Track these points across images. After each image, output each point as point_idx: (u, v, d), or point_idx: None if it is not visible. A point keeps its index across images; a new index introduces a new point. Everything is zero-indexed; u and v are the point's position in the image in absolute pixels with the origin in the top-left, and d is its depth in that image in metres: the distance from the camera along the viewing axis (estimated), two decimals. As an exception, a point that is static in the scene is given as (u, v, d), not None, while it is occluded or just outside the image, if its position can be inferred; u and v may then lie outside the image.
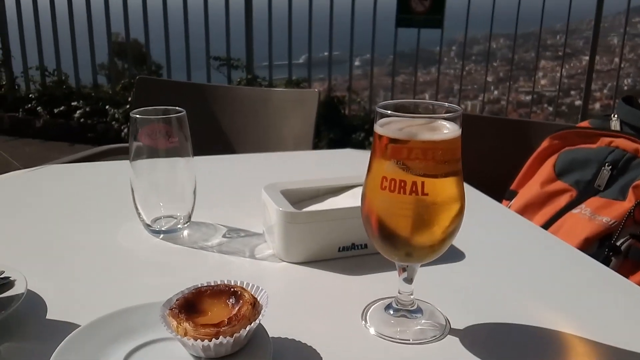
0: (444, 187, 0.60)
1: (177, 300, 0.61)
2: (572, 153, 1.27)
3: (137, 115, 0.84)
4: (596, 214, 1.13)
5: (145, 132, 0.85)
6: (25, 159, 4.32)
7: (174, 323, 0.58)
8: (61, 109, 5.03)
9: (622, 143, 1.20)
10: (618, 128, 1.26)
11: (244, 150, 1.78)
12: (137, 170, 0.87)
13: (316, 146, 1.71)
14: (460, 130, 0.60)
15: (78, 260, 0.83)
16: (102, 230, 0.92)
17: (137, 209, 0.89)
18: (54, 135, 4.98)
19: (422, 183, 0.59)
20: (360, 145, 4.47)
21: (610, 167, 1.18)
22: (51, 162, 1.31)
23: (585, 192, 1.20)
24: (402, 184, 0.59)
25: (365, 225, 0.65)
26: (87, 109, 4.96)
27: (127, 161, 0.88)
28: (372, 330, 0.67)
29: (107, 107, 4.94)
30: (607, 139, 1.23)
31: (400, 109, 0.63)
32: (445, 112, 0.62)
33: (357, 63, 7.07)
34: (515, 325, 0.69)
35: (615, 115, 1.28)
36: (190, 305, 0.60)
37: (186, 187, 0.90)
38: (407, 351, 0.64)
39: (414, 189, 0.59)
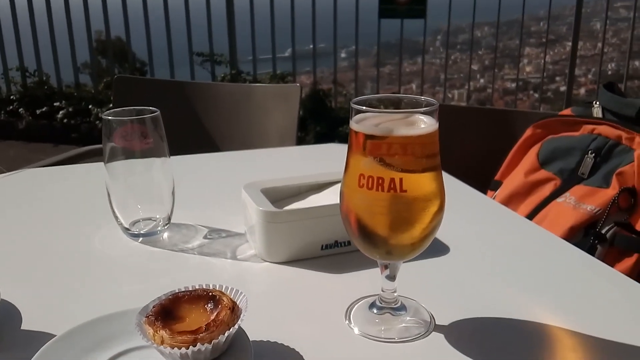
0: (423, 183, 0.59)
1: (153, 307, 0.60)
2: (556, 141, 1.26)
3: (110, 117, 0.82)
4: (581, 203, 1.12)
5: (119, 134, 0.83)
6: (9, 162, 4.26)
7: (150, 331, 0.57)
8: (44, 109, 4.97)
9: (605, 130, 1.19)
10: (600, 115, 1.25)
11: (228, 147, 1.76)
12: (112, 173, 0.85)
13: (303, 140, 1.70)
14: (438, 124, 0.59)
15: (54, 267, 0.81)
16: (80, 235, 0.90)
17: (114, 212, 0.87)
18: (37, 137, 4.91)
19: (400, 179, 0.57)
20: (347, 138, 4.45)
21: (593, 154, 1.17)
22: (29, 165, 1.29)
23: (569, 180, 1.19)
24: (380, 181, 0.58)
25: (345, 224, 0.64)
26: (70, 109, 4.90)
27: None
28: (356, 330, 0.66)
29: (90, 106, 4.88)
30: (590, 127, 1.22)
31: (376, 104, 0.61)
32: (422, 106, 0.61)
33: (343, 55, 7.04)
34: (500, 319, 0.68)
35: (597, 103, 1.28)
36: (167, 312, 0.59)
37: (164, 188, 0.88)
38: (392, 350, 0.63)
39: (392, 185, 0.57)
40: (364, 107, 0.59)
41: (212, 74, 4.95)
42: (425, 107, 0.60)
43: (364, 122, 0.59)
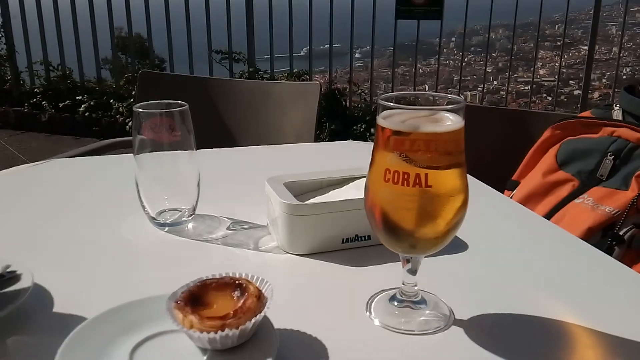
0: (448, 179, 0.60)
1: (182, 293, 0.61)
2: (574, 143, 1.26)
3: (140, 110, 0.85)
4: (599, 204, 1.13)
5: (148, 126, 0.85)
6: (32, 153, 4.36)
7: (180, 316, 0.58)
8: (66, 103, 5.06)
9: (625, 133, 1.19)
10: (620, 117, 1.26)
11: (246, 143, 1.78)
12: (141, 164, 0.87)
13: (317, 138, 1.71)
14: (464, 121, 0.60)
15: (84, 254, 0.83)
16: (108, 224, 0.93)
17: (141, 202, 0.90)
18: (59, 129, 5.01)
19: (426, 175, 0.58)
20: (361, 136, 4.47)
21: (612, 156, 1.17)
22: (56, 156, 1.32)
23: (587, 181, 1.20)
24: (406, 176, 0.59)
25: (369, 217, 0.65)
26: (92, 103, 4.98)
27: (132, 154, 0.88)
28: (376, 321, 0.67)
29: (111, 101, 4.96)
30: (610, 129, 1.22)
31: (402, 100, 0.63)
32: (448, 104, 0.62)
33: (356, 55, 7.06)
34: (519, 316, 0.69)
35: (617, 105, 1.28)
36: (195, 298, 0.60)
37: (190, 180, 0.90)
38: (412, 342, 0.64)
39: (417, 181, 0.59)
40: (392, 104, 0.60)
41: (230, 71, 4.99)
42: (451, 104, 0.61)
43: (390, 118, 0.60)
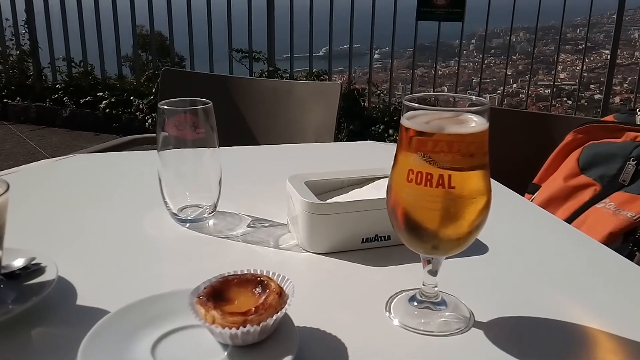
0: (472, 180, 0.60)
1: (204, 288, 0.62)
2: (597, 147, 1.26)
3: (165, 106, 0.85)
4: (621, 209, 1.12)
5: (172, 123, 0.86)
6: (53, 148, 4.42)
7: (202, 311, 0.59)
8: (87, 99, 5.13)
9: (648, 138, 1.18)
10: (644, 123, 1.24)
11: (267, 141, 1.79)
12: (164, 160, 0.88)
13: (336, 138, 1.72)
14: (488, 123, 0.60)
15: (107, 248, 0.84)
16: (130, 219, 0.94)
17: (164, 198, 0.91)
18: (80, 125, 5.09)
19: (449, 176, 0.59)
20: (380, 137, 4.46)
21: (635, 162, 1.17)
22: (79, 151, 1.33)
23: (609, 186, 1.19)
24: (429, 177, 0.59)
25: (391, 217, 0.65)
26: (112, 100, 5.04)
27: (154, 151, 0.89)
28: (396, 321, 0.67)
29: (131, 98, 5.01)
30: (633, 134, 1.21)
31: (427, 102, 0.63)
32: (472, 105, 0.62)
33: (375, 56, 7.06)
34: (539, 319, 0.69)
35: (641, 110, 1.27)
36: (217, 294, 0.61)
37: (212, 177, 0.91)
38: (431, 342, 0.64)
39: (440, 181, 0.59)
40: (416, 104, 0.60)
41: (250, 70, 5.01)
42: (476, 106, 0.61)
43: (415, 119, 0.61)
